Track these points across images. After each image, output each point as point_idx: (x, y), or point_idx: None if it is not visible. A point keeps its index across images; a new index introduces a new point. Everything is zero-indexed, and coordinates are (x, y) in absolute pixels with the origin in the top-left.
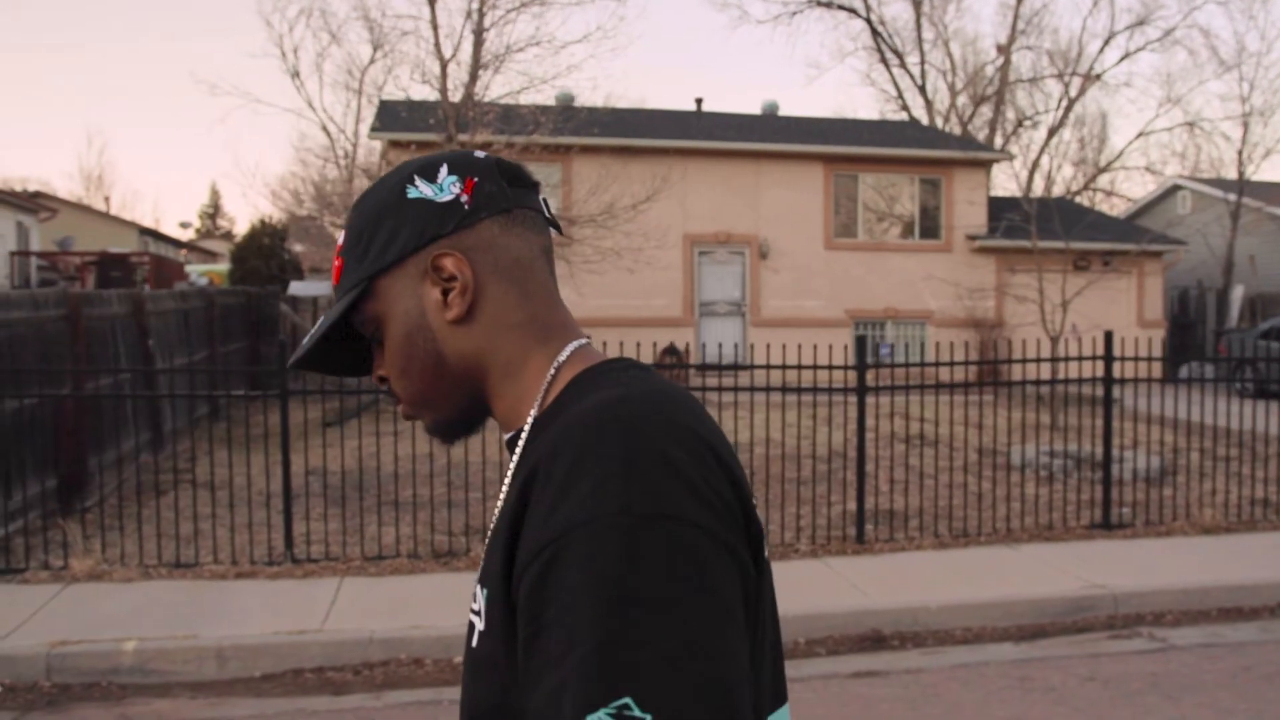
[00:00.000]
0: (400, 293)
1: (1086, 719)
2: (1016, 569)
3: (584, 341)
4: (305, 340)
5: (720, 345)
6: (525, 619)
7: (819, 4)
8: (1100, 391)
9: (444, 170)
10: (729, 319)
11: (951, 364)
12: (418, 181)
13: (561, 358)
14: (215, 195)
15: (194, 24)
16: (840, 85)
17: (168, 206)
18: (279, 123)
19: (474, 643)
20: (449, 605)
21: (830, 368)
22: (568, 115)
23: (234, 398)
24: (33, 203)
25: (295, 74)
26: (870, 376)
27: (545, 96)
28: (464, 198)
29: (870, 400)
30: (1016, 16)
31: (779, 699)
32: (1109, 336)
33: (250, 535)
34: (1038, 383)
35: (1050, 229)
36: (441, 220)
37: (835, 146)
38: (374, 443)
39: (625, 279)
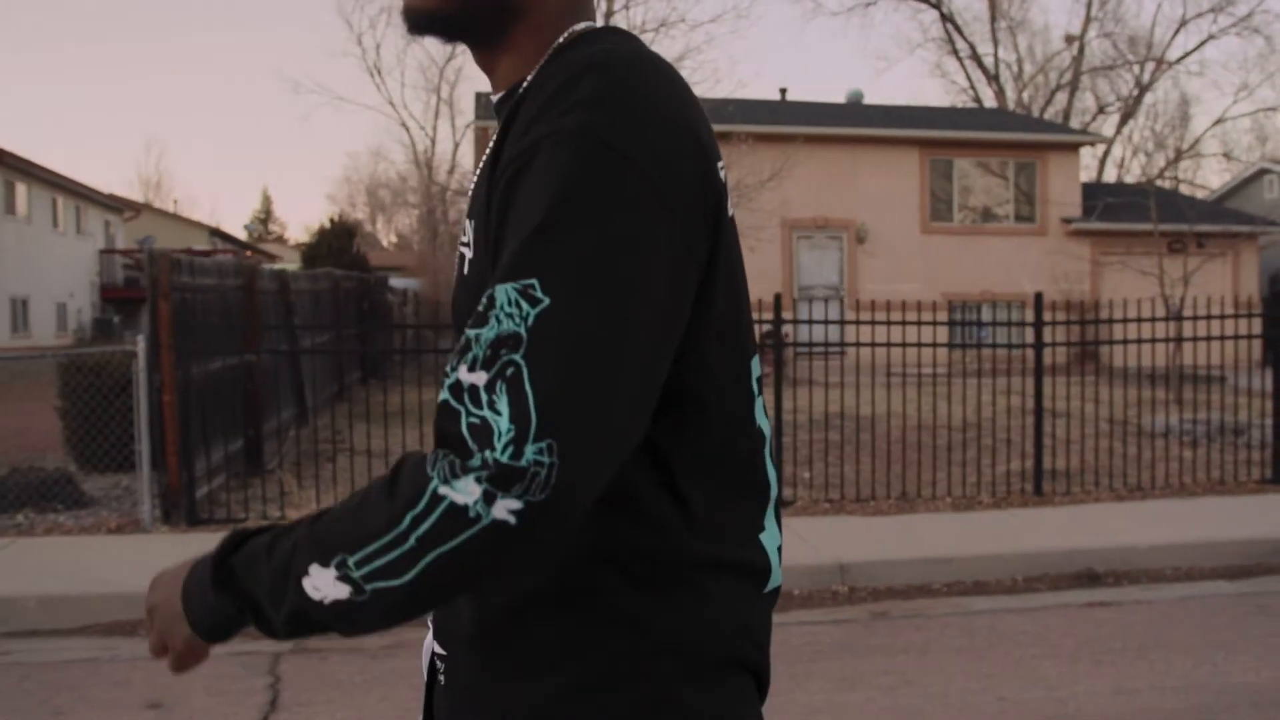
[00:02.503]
0: None
1: None
2: (1202, 517)
3: (594, 24)
4: None
5: (825, 328)
6: (495, 225)
7: None
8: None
9: None
10: (827, 303)
11: (1135, 320)
12: None
13: (576, 29)
14: (267, 201)
15: (248, 31)
16: (909, 78)
17: (223, 212)
18: (334, 127)
19: (465, 270)
20: None
21: (1022, 325)
22: None
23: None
24: (118, 203)
25: (376, 70)
26: (970, 356)
27: None
28: None
29: (976, 380)
30: (1090, 3)
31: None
32: (1276, 293)
33: None
34: (1210, 338)
35: (1144, 213)
36: None
37: (931, 131)
38: None
39: None
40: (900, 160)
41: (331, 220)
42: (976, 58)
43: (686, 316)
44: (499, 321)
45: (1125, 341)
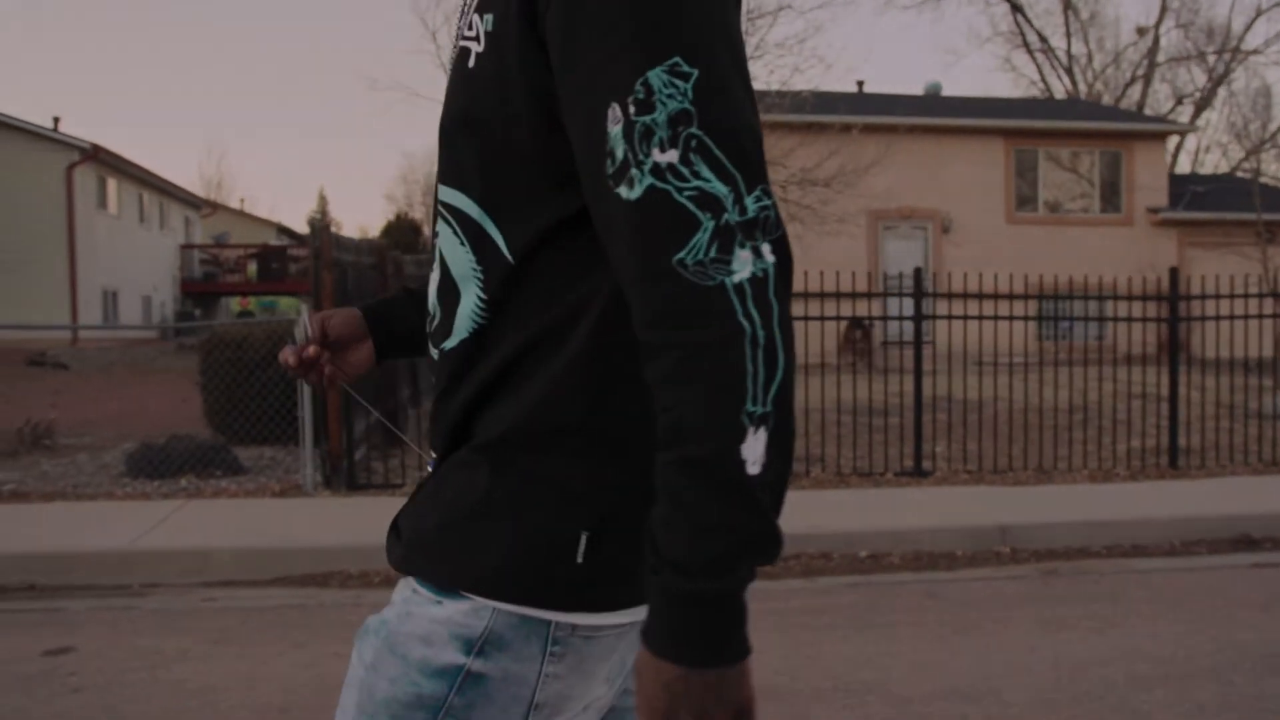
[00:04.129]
0: None
1: None
2: None
3: None
4: None
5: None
6: (559, 16)
7: None
8: None
9: None
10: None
11: None
12: None
13: None
14: (323, 201)
15: (311, 29)
16: (976, 72)
17: (281, 211)
18: (392, 126)
19: (471, 64)
20: (818, 515)
21: (1144, 298)
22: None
23: None
24: (198, 200)
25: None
26: (1056, 346)
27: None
28: None
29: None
30: None
31: None
32: None
33: None
34: None
35: (1232, 202)
36: None
37: (1016, 121)
38: None
39: (813, 252)
40: (985, 151)
41: (398, 216)
42: (1050, 50)
43: None
44: (664, 104)
45: (1267, 316)
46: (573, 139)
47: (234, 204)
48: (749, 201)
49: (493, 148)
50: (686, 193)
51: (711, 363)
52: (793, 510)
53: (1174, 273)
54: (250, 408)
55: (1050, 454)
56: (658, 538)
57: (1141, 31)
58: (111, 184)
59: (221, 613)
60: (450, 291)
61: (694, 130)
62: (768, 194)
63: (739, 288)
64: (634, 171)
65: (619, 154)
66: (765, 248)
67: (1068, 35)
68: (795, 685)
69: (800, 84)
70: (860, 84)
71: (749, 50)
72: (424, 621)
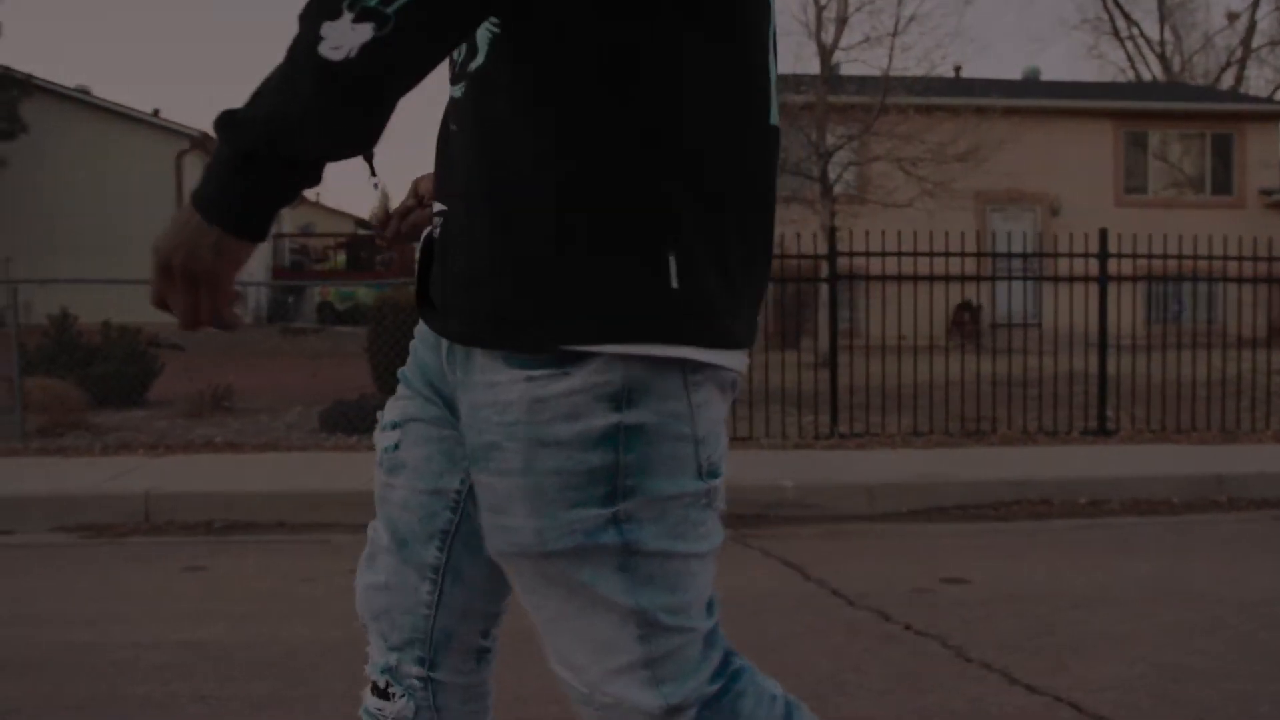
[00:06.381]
0: None
1: None
2: None
3: None
4: None
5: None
6: None
7: None
8: None
9: None
10: (1008, 276)
11: None
12: None
13: None
14: (385, 198)
15: None
16: (1062, 60)
17: (351, 206)
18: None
19: None
20: (1026, 466)
21: None
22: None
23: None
24: None
25: None
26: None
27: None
28: None
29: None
30: None
31: None
32: None
33: (798, 418)
34: None
35: None
36: None
37: (1125, 103)
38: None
39: (921, 235)
40: (1094, 132)
41: None
42: (1143, 36)
43: None
44: None
45: None
46: None
47: (309, 197)
48: None
49: None
50: None
51: None
52: (999, 461)
53: None
54: None
55: (1231, 416)
56: None
57: (1232, 17)
58: None
59: None
60: None
61: None
62: None
63: None
64: None
65: None
66: None
67: (1161, 21)
68: (1111, 595)
69: (942, 63)
70: (957, 69)
71: (898, 25)
72: (562, 399)
